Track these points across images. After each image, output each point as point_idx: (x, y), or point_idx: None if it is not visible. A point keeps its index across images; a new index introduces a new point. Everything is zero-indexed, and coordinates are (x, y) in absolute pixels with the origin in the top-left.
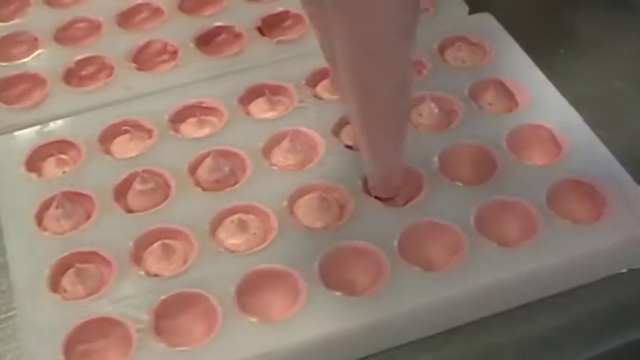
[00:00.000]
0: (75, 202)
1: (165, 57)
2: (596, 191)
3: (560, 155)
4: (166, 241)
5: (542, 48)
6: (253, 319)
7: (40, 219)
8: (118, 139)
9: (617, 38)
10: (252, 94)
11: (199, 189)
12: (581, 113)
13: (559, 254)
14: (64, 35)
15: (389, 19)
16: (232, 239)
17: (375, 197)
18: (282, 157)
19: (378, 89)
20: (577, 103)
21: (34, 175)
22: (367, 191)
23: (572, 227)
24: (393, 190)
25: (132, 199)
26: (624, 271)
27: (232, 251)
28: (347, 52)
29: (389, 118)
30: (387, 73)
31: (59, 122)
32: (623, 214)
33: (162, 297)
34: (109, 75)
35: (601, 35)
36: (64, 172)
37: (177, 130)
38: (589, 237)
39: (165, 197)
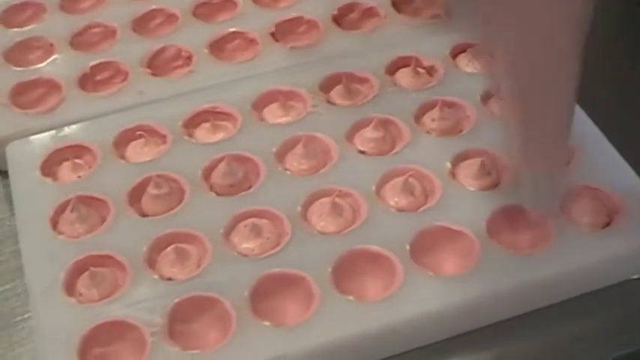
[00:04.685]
0: (90, 206)
1: (179, 62)
2: (609, 197)
3: (573, 162)
4: (180, 245)
5: None
6: (266, 323)
7: (55, 223)
8: (133, 143)
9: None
10: (266, 99)
11: (213, 193)
12: (593, 119)
13: (571, 260)
14: (79, 41)
15: (556, 36)
16: (246, 243)
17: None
18: (295, 162)
19: (547, 74)
20: (589, 108)
21: (49, 180)
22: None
23: (584, 233)
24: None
25: (146, 204)
26: (636, 277)
27: (246, 255)
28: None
29: (556, 99)
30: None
31: (74, 127)
32: (635, 220)
33: (176, 300)
34: (124, 80)
35: (615, 39)
36: (79, 177)
37: (191, 135)
38: (601, 243)
39: (180, 202)
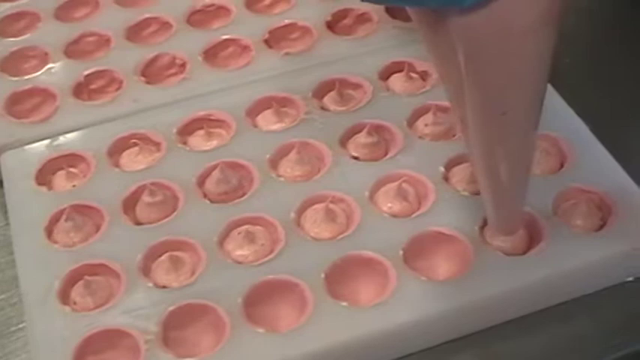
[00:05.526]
0: (84, 214)
1: (173, 70)
2: (603, 199)
3: (566, 164)
4: (174, 252)
5: None
6: (260, 330)
7: (49, 232)
8: (127, 152)
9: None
10: (260, 106)
11: (207, 201)
12: (585, 121)
13: (565, 263)
14: (73, 49)
15: (525, 81)
16: (240, 250)
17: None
18: (289, 168)
19: (508, 147)
20: (581, 110)
21: (44, 189)
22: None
23: (578, 236)
24: (512, 230)
25: (140, 212)
26: (631, 279)
27: (240, 262)
28: (479, 112)
29: (515, 171)
30: (518, 132)
31: (69, 136)
32: (630, 223)
33: (171, 308)
34: (118, 88)
35: (608, 40)
36: (73, 186)
37: (185, 143)
38: (595, 245)
39: (174, 209)
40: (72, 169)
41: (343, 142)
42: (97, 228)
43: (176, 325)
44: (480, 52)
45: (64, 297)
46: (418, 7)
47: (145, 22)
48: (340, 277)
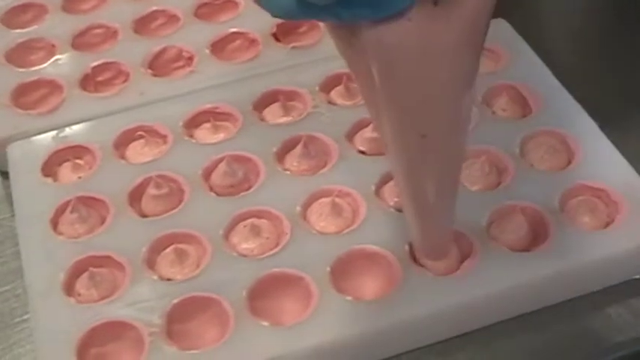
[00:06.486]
0: (90, 206)
1: (180, 63)
2: (610, 196)
3: (574, 161)
4: (180, 245)
5: (556, 53)
6: (265, 323)
7: (55, 223)
8: (133, 144)
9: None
10: (267, 99)
11: (213, 194)
12: (593, 116)
13: (572, 259)
14: (81, 41)
15: (443, 103)
16: (245, 244)
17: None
18: (295, 162)
19: (430, 170)
20: (588, 106)
21: (49, 180)
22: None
23: (585, 233)
24: (440, 254)
25: (146, 204)
26: (637, 277)
27: (245, 256)
28: (398, 134)
29: (439, 195)
30: (440, 155)
31: (75, 127)
32: (637, 220)
33: (175, 301)
34: (125, 81)
35: (615, 37)
36: (79, 177)
37: (191, 136)
38: (602, 243)
39: (179, 202)
40: (78, 161)
41: (350, 136)
42: (103, 220)
43: (180, 317)
44: (394, 70)
45: (69, 289)
46: (330, 21)
47: (153, 15)
48: (345, 271)
